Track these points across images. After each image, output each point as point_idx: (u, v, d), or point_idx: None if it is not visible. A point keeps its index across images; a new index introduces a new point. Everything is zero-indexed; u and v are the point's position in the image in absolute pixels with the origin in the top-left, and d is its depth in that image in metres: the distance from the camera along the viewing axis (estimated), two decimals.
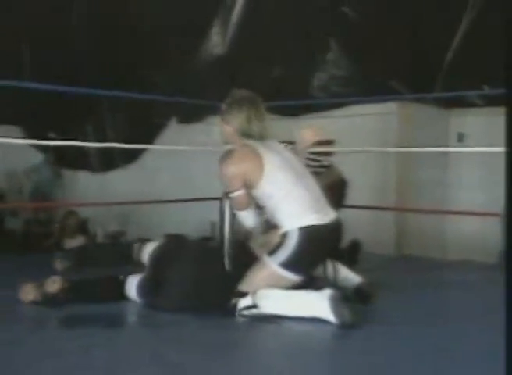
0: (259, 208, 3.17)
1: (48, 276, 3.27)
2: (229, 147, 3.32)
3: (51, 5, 7.44)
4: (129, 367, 2.28)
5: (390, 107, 6.57)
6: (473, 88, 6.08)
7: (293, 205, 3.06)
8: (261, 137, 3.17)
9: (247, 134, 3.16)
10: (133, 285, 3.23)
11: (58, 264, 3.50)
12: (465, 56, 6.44)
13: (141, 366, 2.29)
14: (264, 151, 3.11)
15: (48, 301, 3.16)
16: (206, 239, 7.14)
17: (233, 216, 3.33)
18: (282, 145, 3.31)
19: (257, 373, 2.33)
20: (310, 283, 3.10)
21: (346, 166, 4.86)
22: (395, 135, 6.61)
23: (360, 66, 6.85)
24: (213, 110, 7.23)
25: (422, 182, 6.73)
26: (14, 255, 5.50)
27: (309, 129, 3.54)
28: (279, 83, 7.01)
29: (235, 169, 3.08)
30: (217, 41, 7.59)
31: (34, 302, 3.19)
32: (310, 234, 3.00)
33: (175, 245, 3.45)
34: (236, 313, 2.97)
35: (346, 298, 3.00)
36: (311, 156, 4.30)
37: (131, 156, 8.55)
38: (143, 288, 3.20)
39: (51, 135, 7.90)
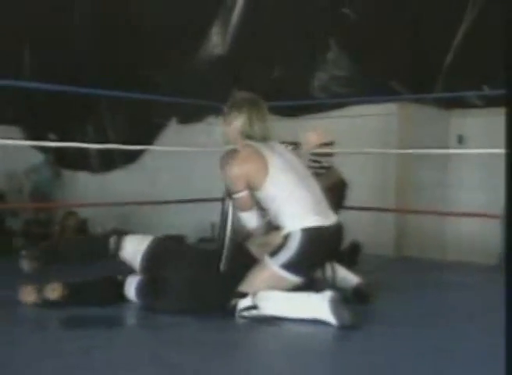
0: (261, 209, 3.16)
1: (47, 275, 3.26)
2: (229, 147, 3.32)
3: (51, 5, 7.45)
4: (129, 368, 2.28)
5: (390, 108, 6.57)
6: (473, 89, 6.08)
7: (295, 206, 3.06)
8: (264, 139, 3.17)
9: (249, 135, 3.16)
10: (131, 286, 3.22)
11: (25, 265, 3.31)
12: (465, 57, 6.44)
13: (141, 367, 2.29)
14: (267, 152, 3.11)
15: (48, 305, 3.15)
16: (206, 240, 7.14)
17: (234, 216, 3.32)
18: (283, 146, 3.31)
19: (257, 374, 2.33)
20: (310, 284, 3.09)
21: (346, 166, 4.86)
22: (395, 136, 6.62)
23: (361, 66, 6.85)
24: (213, 110, 7.26)
25: (422, 183, 6.73)
26: (14, 255, 5.48)
27: (314, 131, 3.55)
28: (279, 83, 7.02)
29: (239, 169, 3.08)
30: (217, 42, 7.59)
31: (34, 304, 3.19)
32: (312, 236, 3.00)
33: (172, 246, 3.43)
34: (236, 314, 2.97)
35: (345, 299, 3.00)
36: (312, 157, 4.30)
37: (131, 157, 8.55)
38: (141, 290, 3.18)
39: (51, 135, 7.90)
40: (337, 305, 2.83)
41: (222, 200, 4.45)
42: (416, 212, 6.41)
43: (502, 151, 1.88)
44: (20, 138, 8.26)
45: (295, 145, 3.56)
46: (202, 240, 7.25)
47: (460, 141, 7.03)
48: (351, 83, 6.90)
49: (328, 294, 2.85)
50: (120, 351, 2.54)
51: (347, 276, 3.43)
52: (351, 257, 4.52)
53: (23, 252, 3.38)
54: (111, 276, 3.30)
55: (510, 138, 1.76)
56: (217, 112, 5.95)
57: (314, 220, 3.03)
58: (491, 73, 5.80)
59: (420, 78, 6.67)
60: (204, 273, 3.16)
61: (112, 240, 3.35)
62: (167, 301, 3.11)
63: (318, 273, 3.25)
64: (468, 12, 6.35)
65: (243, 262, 3.13)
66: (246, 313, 2.95)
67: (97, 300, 3.21)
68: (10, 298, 3.24)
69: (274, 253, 3.02)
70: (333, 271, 3.29)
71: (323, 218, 3.08)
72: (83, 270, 3.45)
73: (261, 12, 7.11)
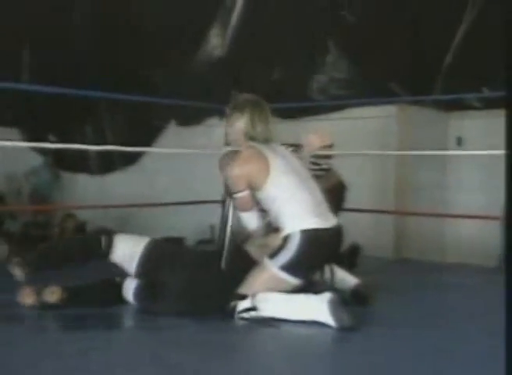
0: (262, 210, 3.16)
1: (47, 275, 3.26)
2: (229, 148, 3.32)
3: (51, 5, 7.45)
4: (128, 369, 2.28)
5: (389, 110, 6.57)
6: (472, 91, 6.09)
7: (295, 207, 3.06)
8: (266, 140, 3.18)
9: (251, 137, 3.17)
10: (130, 288, 3.21)
11: (17, 272, 3.24)
12: (464, 58, 6.44)
13: (140, 368, 2.29)
14: (269, 153, 3.12)
15: (47, 307, 3.14)
16: (205, 242, 7.13)
17: (234, 218, 3.32)
18: (285, 148, 3.32)
19: None
20: (309, 286, 3.09)
21: (345, 168, 4.85)
22: (394, 138, 6.61)
23: (360, 68, 6.85)
24: (214, 112, 7.26)
25: (421, 185, 6.72)
26: (12, 257, 5.47)
27: (316, 134, 3.55)
28: (278, 85, 7.02)
29: (241, 169, 3.08)
30: (216, 43, 7.59)
31: (33, 306, 3.18)
32: (311, 238, 3.00)
33: (169, 248, 3.41)
34: (236, 316, 2.97)
35: (344, 300, 3.00)
36: (311, 159, 4.30)
37: (130, 159, 8.54)
38: (139, 295, 3.17)
39: (51, 137, 7.90)
40: (336, 306, 2.83)
41: (222, 202, 4.44)
42: (415, 214, 6.41)
43: (501, 152, 1.88)
44: (19, 140, 8.27)
45: (296, 147, 3.57)
46: (201, 242, 7.24)
47: (459, 142, 7.03)
48: (350, 86, 6.91)
49: (327, 296, 2.85)
50: (119, 352, 2.54)
51: (346, 278, 3.43)
52: (351, 259, 4.52)
53: (14, 260, 3.30)
54: (109, 279, 3.29)
55: (510, 140, 1.75)
56: (220, 114, 5.96)
57: (313, 222, 3.03)
58: (490, 74, 5.81)
59: (419, 80, 6.67)
60: (203, 274, 3.15)
61: (104, 239, 3.29)
62: (165, 304, 3.10)
63: (317, 275, 3.25)
64: (467, 13, 6.36)
65: (242, 263, 3.13)
66: (245, 315, 2.95)
67: (96, 303, 3.20)
68: (9, 300, 3.23)
69: (273, 255, 3.02)
70: (332, 273, 3.29)
71: (323, 220, 3.08)
72: (78, 272, 3.43)
73: (261, 14, 7.12)
